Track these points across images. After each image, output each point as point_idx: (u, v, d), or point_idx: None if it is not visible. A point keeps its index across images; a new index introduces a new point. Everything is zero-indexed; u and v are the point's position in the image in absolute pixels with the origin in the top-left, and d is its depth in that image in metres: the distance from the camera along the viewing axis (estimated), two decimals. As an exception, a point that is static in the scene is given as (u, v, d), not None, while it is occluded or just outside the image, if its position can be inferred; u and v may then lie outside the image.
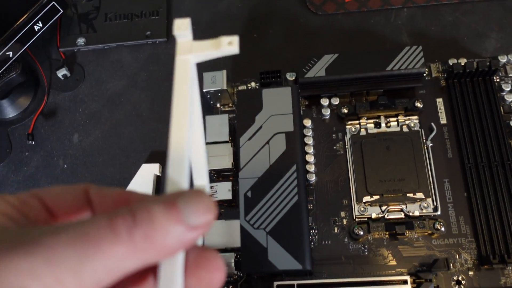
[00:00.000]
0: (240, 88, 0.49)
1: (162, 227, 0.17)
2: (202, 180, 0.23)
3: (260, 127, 0.43)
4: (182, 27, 0.21)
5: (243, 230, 0.40)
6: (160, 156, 0.51)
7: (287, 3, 0.55)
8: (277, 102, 0.43)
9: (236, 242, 0.41)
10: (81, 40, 0.56)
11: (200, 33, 0.55)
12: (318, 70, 0.45)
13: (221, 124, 0.45)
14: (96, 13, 0.57)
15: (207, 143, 0.45)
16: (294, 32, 0.54)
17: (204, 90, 0.46)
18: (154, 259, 0.17)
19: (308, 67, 0.46)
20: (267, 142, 0.42)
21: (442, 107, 0.46)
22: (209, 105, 0.49)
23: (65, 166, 0.52)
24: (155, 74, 0.54)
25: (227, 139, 0.45)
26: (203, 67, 0.41)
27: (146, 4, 0.56)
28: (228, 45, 0.21)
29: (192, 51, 0.20)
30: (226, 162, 0.44)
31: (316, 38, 0.53)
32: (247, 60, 0.53)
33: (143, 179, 0.46)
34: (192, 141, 0.21)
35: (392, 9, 0.53)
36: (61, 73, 0.54)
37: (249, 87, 0.49)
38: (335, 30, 0.54)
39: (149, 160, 0.50)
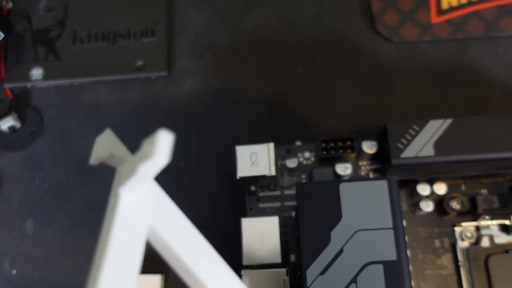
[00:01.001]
0: (292, 163, 0.31)
1: None
2: None
3: (341, 252, 0.26)
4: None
5: None
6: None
7: (345, 24, 0.38)
8: (366, 207, 0.26)
9: None
10: (37, 72, 0.37)
11: (214, 61, 0.37)
12: (422, 145, 0.29)
13: (269, 232, 0.28)
14: (60, 30, 0.38)
15: (244, 267, 0.28)
16: (357, 64, 0.37)
17: (239, 177, 0.29)
18: None
19: (406, 139, 0.29)
20: (353, 280, 0.25)
21: None
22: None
23: (14, 271, 0.34)
24: (150, 125, 0.36)
25: (279, 260, 0.28)
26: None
27: (137, 18, 0.38)
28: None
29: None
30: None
31: (389, 76, 0.36)
32: (284, 112, 0.36)
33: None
34: None
35: (502, 37, 0.37)
36: (7, 123, 0.36)
37: (304, 162, 0.32)
38: (418, 66, 0.37)
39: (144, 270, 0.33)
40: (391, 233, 0.26)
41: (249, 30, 0.38)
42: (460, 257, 0.30)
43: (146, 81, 0.37)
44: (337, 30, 0.38)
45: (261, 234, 0.28)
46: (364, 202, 0.26)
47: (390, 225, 0.26)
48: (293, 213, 0.31)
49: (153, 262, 0.34)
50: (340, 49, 0.37)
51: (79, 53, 0.37)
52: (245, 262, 0.28)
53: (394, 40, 0.37)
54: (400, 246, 0.25)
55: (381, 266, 0.25)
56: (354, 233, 0.26)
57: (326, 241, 0.26)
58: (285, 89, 0.37)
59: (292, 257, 0.30)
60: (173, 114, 0.36)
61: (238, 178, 0.28)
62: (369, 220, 0.26)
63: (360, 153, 0.31)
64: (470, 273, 0.29)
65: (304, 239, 0.26)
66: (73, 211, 0.35)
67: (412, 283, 0.28)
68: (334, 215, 0.26)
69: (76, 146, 0.36)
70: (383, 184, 0.27)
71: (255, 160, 0.28)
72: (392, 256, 0.25)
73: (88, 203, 0.35)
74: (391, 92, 0.36)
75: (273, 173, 0.28)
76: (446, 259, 0.30)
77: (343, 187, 0.27)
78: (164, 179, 0.37)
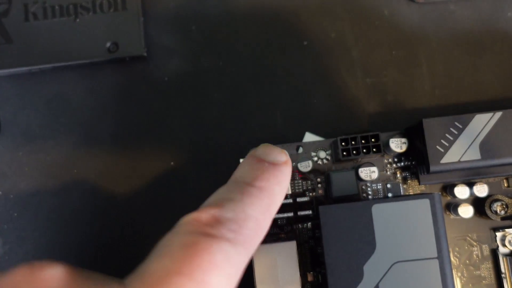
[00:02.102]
0: (300, 167, 0.26)
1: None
2: None
3: (376, 289, 0.21)
4: None
5: None
6: None
7: (358, -20, 0.31)
8: (405, 233, 0.22)
9: None
10: (-16, 60, 0.30)
11: (203, 36, 0.31)
12: (466, 147, 0.24)
13: (286, 259, 0.23)
14: (6, 4, 0.30)
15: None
16: (374, 32, 0.31)
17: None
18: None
19: (446, 140, 0.24)
20: (393, 323, 0.21)
21: None
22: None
23: (-14, 300, 0.29)
24: (129, 118, 0.30)
25: (300, 294, 0.23)
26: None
27: (101, -16, 0.30)
28: None
29: None
30: None
31: (412, 46, 0.31)
32: (289, 96, 0.30)
33: None
34: None
35: (548, -8, 0.31)
36: (-46, 125, 0.29)
37: (319, 162, 0.27)
38: (446, 31, 0.31)
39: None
40: (436, 264, 0.21)
41: (239, 4, 0.31)
42: (503, 267, 0.26)
43: (121, 64, 0.31)
44: (349, -9, 0.31)
45: (276, 264, 0.23)
46: (402, 227, 0.22)
47: (435, 254, 0.21)
48: (309, 224, 0.27)
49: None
50: (353, 15, 0.31)
51: (34, 33, 0.30)
52: (259, 298, 0.23)
53: (418, 0, 0.31)
54: (446, 278, 0.21)
55: (424, 304, 0.21)
56: (392, 265, 0.21)
57: (358, 277, 0.21)
58: (288, 66, 0.31)
59: (310, 276, 0.26)
60: (156, 103, 0.30)
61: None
62: (409, 249, 0.21)
63: (385, 149, 0.26)
64: (514, 286, 0.25)
65: (332, 275, 0.21)
66: (48, 227, 0.30)
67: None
68: (366, 244, 0.22)
69: (43, 148, 0.30)
70: (424, 204, 0.22)
71: (265, 175, 0.23)
72: (437, 292, 0.21)
73: (65, 216, 0.30)
74: (414, 65, 0.30)
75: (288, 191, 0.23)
76: (485, 270, 0.26)
77: (376, 209, 0.22)
78: (154, 182, 0.31)
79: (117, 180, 0.30)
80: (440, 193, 0.23)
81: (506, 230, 0.26)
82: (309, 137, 0.29)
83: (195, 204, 0.29)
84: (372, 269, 0.21)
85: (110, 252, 0.29)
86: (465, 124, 0.24)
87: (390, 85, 0.30)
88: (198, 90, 0.31)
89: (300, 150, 0.27)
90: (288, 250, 0.23)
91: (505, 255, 0.26)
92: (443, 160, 0.23)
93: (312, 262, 0.26)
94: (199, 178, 0.29)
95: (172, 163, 0.30)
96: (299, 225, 0.27)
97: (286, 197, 0.27)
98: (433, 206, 0.22)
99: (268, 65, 0.31)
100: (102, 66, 0.31)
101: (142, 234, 0.29)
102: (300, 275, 0.24)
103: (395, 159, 0.27)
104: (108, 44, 0.30)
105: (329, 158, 0.27)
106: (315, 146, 0.27)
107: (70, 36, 0.30)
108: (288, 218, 0.27)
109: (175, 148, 0.30)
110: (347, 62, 0.31)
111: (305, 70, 0.31)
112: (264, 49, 0.31)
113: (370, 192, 0.26)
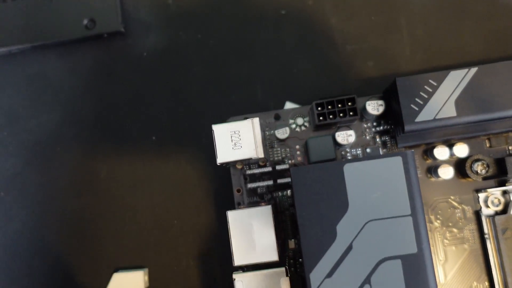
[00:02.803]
0: (278, 134, 0.26)
1: None
2: None
3: (350, 248, 0.21)
4: None
5: None
6: (142, 255, 0.29)
7: None
8: (376, 191, 0.21)
9: None
10: (-36, 42, 0.30)
11: (180, 9, 0.30)
12: (441, 104, 0.23)
13: (262, 224, 0.23)
14: (-17, -14, 0.31)
15: (235, 268, 0.23)
16: None
17: (219, 163, 0.23)
18: None
19: (421, 98, 0.23)
20: (367, 280, 0.21)
21: None
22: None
23: (-24, 279, 0.29)
24: (110, 95, 0.30)
25: (276, 257, 0.23)
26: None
27: (76, -38, 0.30)
28: None
29: None
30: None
31: (391, 11, 0.30)
32: (269, 67, 0.30)
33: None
34: None
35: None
36: None
37: (297, 129, 0.26)
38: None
39: (127, 265, 0.29)
40: (409, 221, 0.21)
41: (218, -34, 0.31)
42: (486, 228, 0.25)
43: (99, 41, 0.31)
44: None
45: (252, 228, 0.23)
46: (374, 186, 0.21)
47: (408, 211, 0.21)
48: (289, 192, 0.26)
49: (135, 256, 0.30)
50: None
51: (11, 14, 0.30)
52: (236, 262, 0.23)
53: (396, -36, 0.30)
54: (421, 235, 0.21)
55: (399, 262, 0.21)
56: (365, 224, 0.21)
57: (331, 236, 0.21)
58: (267, 36, 0.30)
59: (291, 243, 0.26)
60: (136, 80, 0.30)
61: (218, 164, 0.23)
62: (382, 208, 0.21)
63: (363, 113, 0.26)
64: (498, 247, 0.25)
65: (305, 236, 0.21)
66: (34, 205, 0.30)
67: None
68: (339, 204, 0.21)
69: (26, 128, 0.31)
70: (396, 161, 0.22)
71: (237, 141, 0.23)
72: (412, 248, 0.21)
73: (50, 193, 0.30)
74: (395, 31, 0.30)
75: (261, 155, 0.23)
76: (469, 232, 0.26)
77: (348, 169, 0.22)
78: (136, 155, 0.32)
79: (101, 156, 0.30)
80: (413, 150, 0.22)
81: (489, 190, 0.26)
82: (289, 106, 0.29)
83: (176, 177, 0.29)
84: (345, 228, 0.21)
85: (98, 226, 0.29)
86: (439, 82, 0.23)
87: (370, 51, 0.30)
88: (177, 64, 0.30)
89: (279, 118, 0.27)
90: (264, 215, 0.23)
91: (488, 216, 0.25)
92: (418, 119, 0.23)
93: (292, 229, 0.26)
94: (181, 152, 0.29)
95: (153, 137, 0.30)
96: (279, 192, 0.27)
97: (265, 165, 0.27)
98: (405, 163, 0.21)
99: (247, 36, 0.30)
100: (80, 44, 0.31)
101: (127, 208, 0.29)
102: (279, 242, 0.24)
103: (374, 123, 0.27)
104: (85, 21, 0.30)
105: (307, 125, 0.27)
106: (293, 113, 0.27)
107: (47, 15, 0.30)
108: (268, 186, 0.27)
109: (157, 122, 0.30)
110: (326, 29, 0.30)
111: (284, 39, 0.30)
112: (243, 21, 0.31)
113: (349, 157, 0.26)
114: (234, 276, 0.23)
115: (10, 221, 0.30)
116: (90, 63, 0.31)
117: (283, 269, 0.23)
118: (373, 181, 0.21)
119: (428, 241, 0.21)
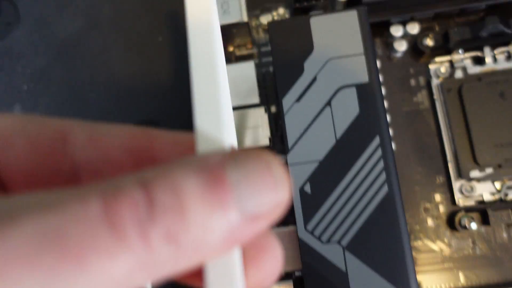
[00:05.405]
0: (265, 19, 0.32)
1: (200, 222, 0.09)
2: None
3: (314, 80, 0.26)
4: None
5: (304, 246, 0.25)
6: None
7: None
8: (337, 37, 0.27)
9: (294, 264, 0.26)
10: (5, -38, 0.37)
11: None
12: (391, -21, 0.29)
13: (244, 77, 0.29)
14: None
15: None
16: None
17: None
18: (186, 268, 0.10)
19: (375, -25, 0.29)
20: (328, 103, 0.26)
21: None
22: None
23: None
24: (126, 7, 0.36)
25: (257, 101, 0.29)
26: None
27: None
28: None
29: None
30: (259, 137, 0.28)
31: None
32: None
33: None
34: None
35: None
36: (-18, 14, 0.36)
37: (276, 17, 0.32)
38: None
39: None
40: (362, 58, 0.26)
41: None
42: (435, 93, 0.30)
43: (117, -39, 0.37)
44: None
45: (235, 81, 0.28)
46: (335, 33, 0.27)
47: (361, 50, 0.26)
48: (271, 68, 0.32)
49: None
50: None
51: None
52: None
53: None
54: (371, 68, 0.26)
55: (353, 89, 0.26)
56: (327, 61, 0.26)
57: (299, 71, 0.26)
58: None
59: (273, 108, 0.31)
60: (147, -7, 0.36)
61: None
62: (340, 49, 0.26)
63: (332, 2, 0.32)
64: (445, 105, 0.30)
65: (278, 71, 0.27)
66: (58, 95, 0.35)
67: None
68: (306, 47, 0.27)
69: (53, 32, 0.36)
70: (353, 15, 0.27)
71: (226, 8, 0.29)
72: (364, 78, 0.26)
73: (72, 86, 0.35)
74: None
75: (245, 18, 0.29)
76: (422, 96, 0.31)
77: (314, 21, 0.27)
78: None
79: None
80: (366, 7, 0.28)
81: (436, 59, 0.31)
82: None
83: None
84: (311, 65, 0.26)
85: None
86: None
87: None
88: None
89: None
90: (247, 71, 0.29)
91: (437, 84, 0.31)
92: (372, -10, 0.29)
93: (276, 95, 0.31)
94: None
95: (160, 38, 0.35)
96: (264, 69, 0.32)
97: (251, 48, 0.32)
98: (359, 16, 0.26)
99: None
100: (101, -36, 0.37)
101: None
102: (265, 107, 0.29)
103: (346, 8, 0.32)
104: None
105: (288, 15, 0.32)
106: (276, 6, 0.33)
107: None
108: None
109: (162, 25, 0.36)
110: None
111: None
112: None
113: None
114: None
115: (37, 106, 0.35)
116: (108, -21, 0.37)
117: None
118: (334, 30, 0.27)
119: (378, 74, 0.26)
